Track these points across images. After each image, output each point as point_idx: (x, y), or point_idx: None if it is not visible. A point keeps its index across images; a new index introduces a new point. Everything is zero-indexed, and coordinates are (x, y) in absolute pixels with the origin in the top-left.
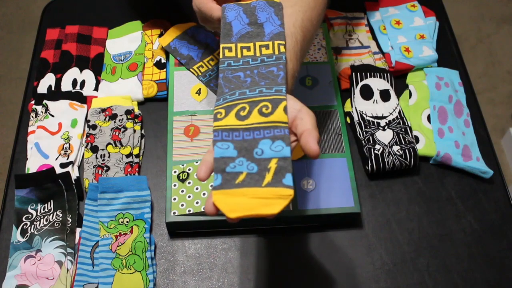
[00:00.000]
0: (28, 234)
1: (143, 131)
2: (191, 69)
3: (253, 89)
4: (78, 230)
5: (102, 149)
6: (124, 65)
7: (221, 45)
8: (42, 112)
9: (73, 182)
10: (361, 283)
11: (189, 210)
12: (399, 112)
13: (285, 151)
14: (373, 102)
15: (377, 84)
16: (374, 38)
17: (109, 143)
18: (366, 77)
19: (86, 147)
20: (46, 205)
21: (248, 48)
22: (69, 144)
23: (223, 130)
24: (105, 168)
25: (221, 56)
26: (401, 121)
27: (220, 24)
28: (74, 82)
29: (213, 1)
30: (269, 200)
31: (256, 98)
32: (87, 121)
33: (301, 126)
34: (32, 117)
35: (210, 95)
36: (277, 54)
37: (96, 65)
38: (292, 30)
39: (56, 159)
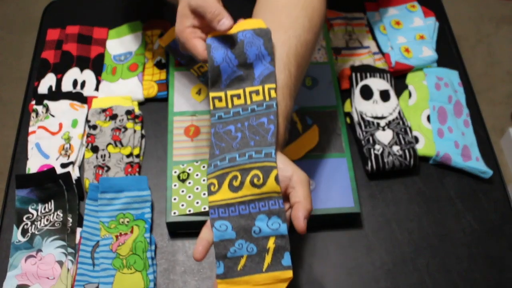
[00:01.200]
0: (29, 234)
1: (143, 131)
2: (191, 70)
3: (243, 153)
4: (78, 230)
5: (103, 149)
6: (125, 66)
7: (211, 94)
8: (42, 112)
9: (74, 182)
10: (361, 283)
11: (190, 210)
12: (399, 112)
13: (282, 229)
14: (373, 102)
15: (377, 84)
16: (374, 38)
17: (109, 143)
18: (366, 77)
19: (86, 147)
20: (46, 205)
21: (238, 96)
22: (70, 144)
23: (219, 207)
24: (105, 168)
25: (211, 107)
26: (400, 121)
27: (205, 60)
28: (75, 83)
29: (198, 37)
30: (270, 286)
31: (247, 165)
32: (87, 121)
33: (293, 197)
34: (33, 117)
35: None
36: (267, 101)
37: (97, 65)
38: (285, 60)
39: (57, 159)
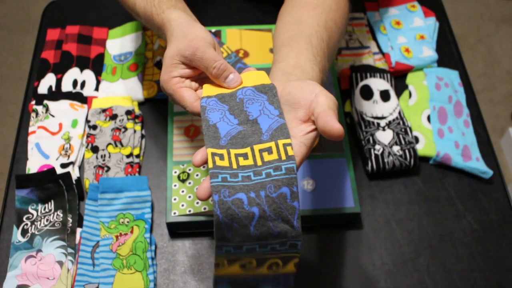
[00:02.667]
0: (29, 234)
1: (143, 131)
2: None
3: (264, 244)
4: (78, 230)
5: (103, 149)
6: (125, 66)
7: (208, 150)
8: (42, 112)
9: (74, 182)
10: (361, 283)
11: (190, 210)
12: (399, 113)
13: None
14: (373, 102)
15: (377, 84)
16: (374, 38)
17: (109, 143)
18: (366, 78)
19: (86, 147)
20: (46, 205)
21: (245, 156)
22: (70, 145)
23: (224, 276)
24: (105, 168)
25: (210, 165)
26: (401, 121)
27: (198, 115)
28: (75, 83)
29: (185, 87)
30: None
31: (267, 255)
32: (87, 121)
33: (317, 109)
34: (33, 117)
35: None
36: (285, 162)
37: (97, 65)
38: (317, 29)
39: (57, 159)
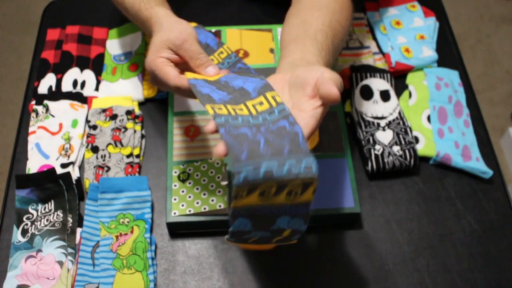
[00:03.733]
0: (29, 234)
1: (143, 132)
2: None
3: (281, 163)
4: (78, 230)
5: (103, 149)
6: (125, 66)
7: (207, 106)
8: (42, 112)
9: (74, 182)
10: (361, 283)
11: (190, 211)
12: (399, 113)
13: (301, 228)
14: (373, 102)
15: (377, 84)
16: (374, 38)
17: (109, 143)
18: (366, 78)
19: (86, 147)
20: (46, 205)
21: (241, 109)
22: (70, 145)
23: (243, 208)
24: (105, 168)
25: (211, 112)
26: (401, 121)
27: (176, 87)
28: (75, 83)
29: (170, 66)
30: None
31: (285, 180)
32: (87, 121)
33: (320, 81)
34: (33, 117)
35: None
36: (277, 107)
37: (97, 65)
38: (321, 28)
39: (57, 159)
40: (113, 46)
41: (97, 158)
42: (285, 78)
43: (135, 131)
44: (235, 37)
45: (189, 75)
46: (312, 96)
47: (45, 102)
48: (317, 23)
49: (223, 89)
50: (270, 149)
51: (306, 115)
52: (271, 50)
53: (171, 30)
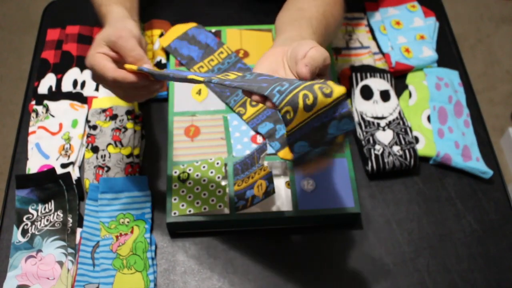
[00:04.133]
0: (29, 234)
1: (143, 132)
2: (191, 70)
3: (291, 81)
4: (78, 230)
5: (103, 150)
6: None
7: (190, 76)
8: (42, 112)
9: (74, 182)
10: (361, 283)
11: (190, 211)
12: (399, 113)
13: (351, 126)
14: (373, 102)
15: (377, 84)
16: (374, 38)
17: (109, 144)
18: (366, 78)
19: (86, 147)
20: (46, 205)
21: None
22: (70, 145)
23: (295, 131)
24: (105, 169)
25: (200, 79)
26: (401, 121)
27: (117, 83)
28: (75, 83)
29: (107, 60)
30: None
31: (307, 84)
32: (87, 121)
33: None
34: (33, 117)
35: (211, 96)
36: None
37: None
38: (316, 15)
39: (57, 159)
40: None
41: (97, 158)
42: (285, 50)
43: (135, 131)
44: (235, 37)
45: (129, 66)
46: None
47: (45, 102)
48: (312, 11)
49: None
50: (280, 81)
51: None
52: None
53: (111, 27)
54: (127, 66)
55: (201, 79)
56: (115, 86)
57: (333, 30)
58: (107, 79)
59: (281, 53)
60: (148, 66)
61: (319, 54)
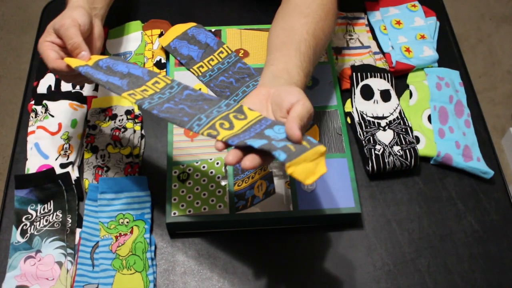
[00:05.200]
0: (28, 234)
1: (143, 132)
2: (191, 69)
3: (211, 110)
4: (78, 230)
5: (102, 150)
6: None
7: (124, 95)
8: (42, 112)
9: (73, 182)
10: (362, 284)
11: (189, 211)
12: (400, 112)
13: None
14: (374, 102)
15: (378, 84)
16: (375, 38)
17: (109, 144)
18: (367, 77)
19: (86, 147)
20: (46, 205)
21: (146, 90)
22: (69, 145)
23: (230, 139)
24: (105, 169)
25: (132, 101)
26: (401, 121)
27: (56, 72)
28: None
29: (51, 49)
30: (316, 160)
31: (223, 114)
32: (87, 121)
33: (290, 114)
34: (32, 117)
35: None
36: (171, 83)
37: None
38: (306, 36)
39: (56, 159)
40: (113, 45)
41: (96, 158)
42: (270, 92)
43: (134, 131)
44: (235, 37)
45: (68, 60)
46: (284, 117)
47: (44, 102)
48: (302, 31)
49: (112, 74)
50: (196, 110)
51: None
52: None
53: (60, 16)
54: (66, 60)
55: (133, 100)
56: (56, 73)
57: (322, 47)
58: (49, 67)
59: (266, 95)
60: (85, 53)
61: (305, 111)
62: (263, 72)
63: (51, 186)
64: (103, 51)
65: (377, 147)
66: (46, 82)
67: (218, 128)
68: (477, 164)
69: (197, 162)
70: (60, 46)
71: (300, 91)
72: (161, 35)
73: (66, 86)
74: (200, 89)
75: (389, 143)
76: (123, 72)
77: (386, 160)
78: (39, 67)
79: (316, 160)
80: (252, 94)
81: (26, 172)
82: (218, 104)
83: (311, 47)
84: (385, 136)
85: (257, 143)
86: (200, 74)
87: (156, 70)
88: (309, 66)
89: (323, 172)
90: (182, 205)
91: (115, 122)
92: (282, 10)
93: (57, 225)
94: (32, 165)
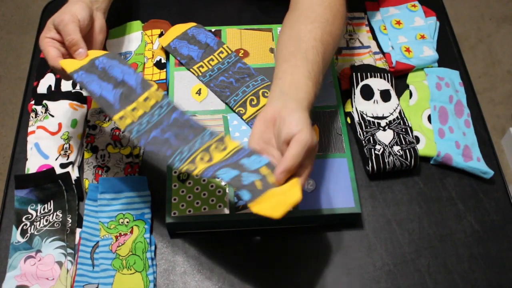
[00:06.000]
0: (28, 234)
1: None
2: (191, 69)
3: (193, 141)
4: (78, 230)
5: (102, 150)
6: None
7: (114, 118)
8: (42, 112)
9: (73, 182)
10: (362, 284)
11: (189, 211)
12: (400, 112)
13: (264, 160)
14: (374, 102)
15: (378, 84)
16: (375, 38)
17: (109, 143)
18: (367, 77)
19: (86, 147)
20: (46, 205)
21: (136, 108)
22: (69, 145)
23: (207, 169)
24: (105, 169)
25: (122, 127)
26: (401, 121)
27: (54, 67)
28: (74, 82)
29: (52, 46)
30: (289, 191)
31: (205, 145)
32: (87, 121)
33: (286, 152)
34: (32, 117)
35: (210, 96)
36: (161, 101)
37: None
38: (313, 43)
39: (56, 159)
40: (113, 45)
41: (96, 158)
42: (275, 116)
43: None
44: (235, 37)
45: (65, 63)
46: (280, 148)
47: (45, 102)
48: (309, 38)
49: (106, 79)
50: (181, 140)
51: (273, 157)
52: (271, 50)
53: (59, 11)
54: (61, 63)
55: (123, 126)
56: (55, 71)
57: (331, 52)
58: (49, 65)
59: (273, 119)
60: (81, 50)
61: (301, 148)
62: (272, 87)
63: (51, 186)
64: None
65: (377, 147)
66: (46, 82)
67: (198, 162)
68: (477, 164)
69: None
70: (60, 42)
71: (303, 119)
72: (161, 35)
73: (66, 86)
74: (186, 112)
75: (389, 143)
76: (117, 79)
77: (386, 160)
78: (39, 67)
79: (287, 193)
80: (260, 115)
81: (26, 172)
82: (203, 133)
83: (319, 53)
84: (385, 136)
85: (227, 176)
86: (200, 74)
87: (156, 70)
88: (318, 74)
89: (296, 200)
90: (182, 205)
91: (115, 122)
92: (289, 17)
93: (57, 225)
94: (32, 165)
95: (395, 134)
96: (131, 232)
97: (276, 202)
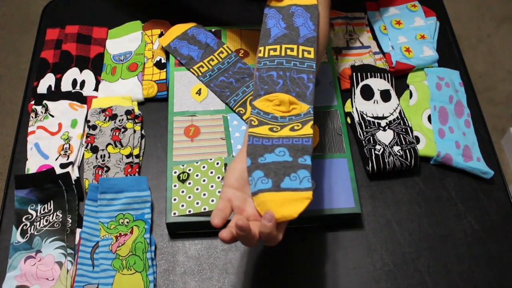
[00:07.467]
0: (28, 234)
1: (143, 132)
2: (191, 69)
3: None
4: (78, 230)
5: (102, 150)
6: (124, 65)
7: (260, 47)
8: (42, 112)
9: (73, 182)
10: (362, 284)
11: (190, 211)
12: (400, 113)
13: (307, 161)
14: (374, 102)
15: (378, 84)
16: (375, 38)
17: (109, 144)
18: (367, 77)
19: (86, 147)
20: (46, 205)
21: (275, 49)
22: (69, 145)
23: (255, 136)
24: (105, 169)
25: (260, 54)
26: (401, 121)
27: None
28: (74, 82)
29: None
30: (293, 202)
31: (286, 123)
32: (87, 121)
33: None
34: (32, 117)
35: (210, 96)
36: (308, 61)
37: (96, 65)
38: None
39: (56, 159)
40: (113, 45)
41: (96, 158)
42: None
43: (134, 131)
44: (235, 37)
45: (162, 40)
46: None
47: (45, 102)
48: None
49: (286, 21)
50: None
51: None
52: None
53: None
54: (160, 40)
55: (199, 73)
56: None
57: (320, 55)
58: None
59: (243, 173)
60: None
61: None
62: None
63: (51, 186)
64: (103, 52)
65: (377, 147)
66: (46, 82)
67: (265, 126)
68: (477, 164)
69: (197, 162)
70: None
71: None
72: (161, 35)
73: (66, 86)
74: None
75: (389, 143)
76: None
77: (386, 160)
78: (39, 67)
79: (293, 202)
80: (230, 169)
81: (26, 172)
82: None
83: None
84: (385, 136)
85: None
86: (200, 74)
87: (156, 70)
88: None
89: (294, 215)
90: (182, 205)
91: (115, 122)
92: None
93: (57, 225)
94: (32, 165)
95: (395, 134)
96: (131, 232)
97: (288, 204)
